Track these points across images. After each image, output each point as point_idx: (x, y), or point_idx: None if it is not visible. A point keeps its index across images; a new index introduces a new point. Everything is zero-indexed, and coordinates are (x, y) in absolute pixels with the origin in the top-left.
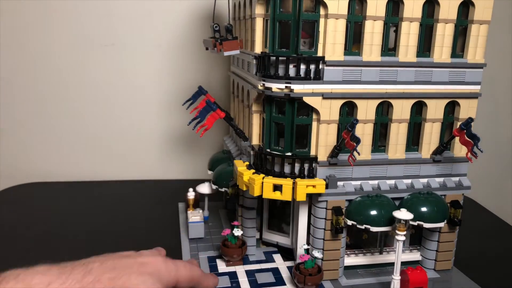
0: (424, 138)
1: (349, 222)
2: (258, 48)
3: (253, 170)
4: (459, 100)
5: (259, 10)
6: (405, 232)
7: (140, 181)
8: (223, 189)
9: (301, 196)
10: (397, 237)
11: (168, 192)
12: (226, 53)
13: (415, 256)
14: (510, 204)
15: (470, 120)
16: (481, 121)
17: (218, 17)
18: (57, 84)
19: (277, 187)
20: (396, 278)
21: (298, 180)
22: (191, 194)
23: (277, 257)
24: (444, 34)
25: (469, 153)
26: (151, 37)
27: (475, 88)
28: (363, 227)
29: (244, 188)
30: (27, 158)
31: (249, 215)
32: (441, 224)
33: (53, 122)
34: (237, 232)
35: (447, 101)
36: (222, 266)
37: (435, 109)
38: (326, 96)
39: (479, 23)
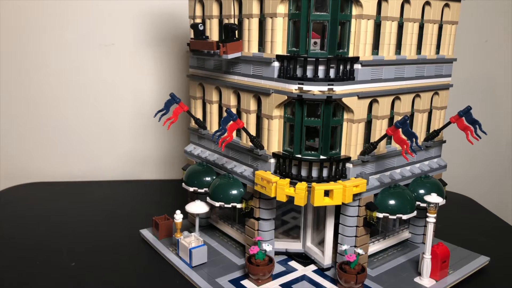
0: (417, 128)
1: (381, 215)
2: (279, 50)
3: (287, 179)
4: (439, 91)
5: (281, 9)
6: (435, 214)
7: (142, 181)
8: (230, 205)
9: (349, 198)
10: (428, 219)
11: (169, 192)
12: (230, 56)
13: (404, 235)
14: (510, 204)
15: (469, 108)
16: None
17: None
18: (57, 84)
19: (325, 193)
20: (427, 257)
21: (345, 182)
22: (179, 217)
23: (295, 264)
24: (432, 34)
25: (469, 137)
26: (152, 37)
27: (448, 80)
28: (395, 217)
29: (285, 199)
30: (27, 158)
31: (267, 227)
32: (444, 201)
33: (54, 122)
34: (268, 247)
35: (432, 92)
36: (252, 286)
37: (425, 100)
38: (360, 96)
39: (451, 23)
